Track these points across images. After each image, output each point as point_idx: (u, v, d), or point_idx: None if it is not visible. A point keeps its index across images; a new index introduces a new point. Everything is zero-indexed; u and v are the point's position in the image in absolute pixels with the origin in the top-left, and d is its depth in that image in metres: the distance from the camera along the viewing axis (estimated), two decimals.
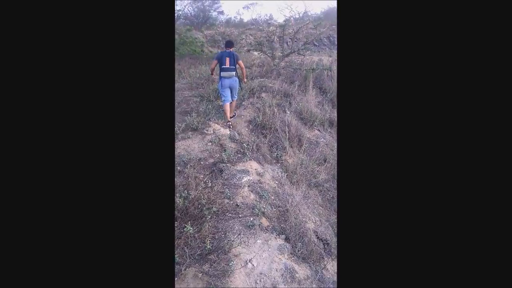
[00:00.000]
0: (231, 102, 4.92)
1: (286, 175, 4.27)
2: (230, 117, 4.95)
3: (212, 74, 5.06)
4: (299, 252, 2.78)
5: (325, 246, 3.38)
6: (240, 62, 4.76)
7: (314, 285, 2.74)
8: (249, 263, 2.45)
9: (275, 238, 2.85)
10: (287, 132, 4.67)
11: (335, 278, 3.25)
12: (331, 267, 3.24)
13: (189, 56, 9.82)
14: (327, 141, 5.10)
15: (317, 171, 4.54)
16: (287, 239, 2.90)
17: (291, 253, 2.74)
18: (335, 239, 3.59)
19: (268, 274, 2.42)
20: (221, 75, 4.70)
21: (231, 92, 4.84)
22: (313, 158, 4.62)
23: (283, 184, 3.93)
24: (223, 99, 4.81)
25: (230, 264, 2.36)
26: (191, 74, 7.65)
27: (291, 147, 4.73)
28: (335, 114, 5.52)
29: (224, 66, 4.63)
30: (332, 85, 6.33)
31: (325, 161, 4.76)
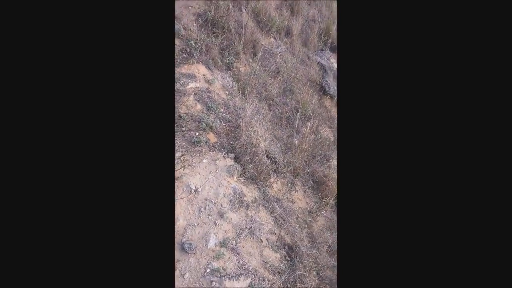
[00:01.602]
0: None
1: (238, 85, 3.72)
2: None
3: None
4: (249, 173, 2.44)
5: (273, 165, 3.12)
6: None
7: (260, 206, 2.51)
8: (192, 187, 2.04)
9: (224, 157, 2.44)
10: (242, 35, 3.94)
11: (278, 196, 3.09)
12: (276, 185, 3.04)
13: None
14: (281, 51, 4.50)
15: (270, 83, 4.04)
16: (236, 159, 2.52)
17: (240, 175, 2.38)
18: (281, 156, 3.35)
19: (215, 200, 2.06)
20: None
21: None
22: (267, 69, 4.06)
23: (234, 96, 3.40)
24: None
25: None
26: None
27: (245, 53, 4.07)
28: (293, 23, 4.83)
29: None
30: None
31: (278, 73, 4.25)
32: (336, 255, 2.97)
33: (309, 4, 5.25)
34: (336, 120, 4.67)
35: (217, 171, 2.28)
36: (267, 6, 4.46)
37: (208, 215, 1.97)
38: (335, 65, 4.95)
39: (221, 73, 3.63)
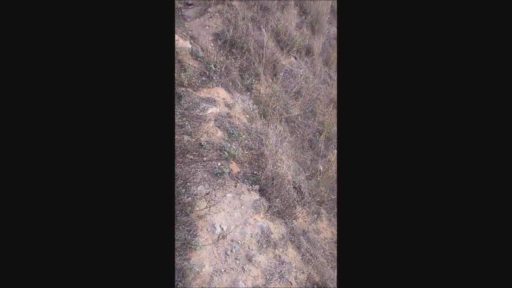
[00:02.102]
0: None
1: (258, 108, 3.56)
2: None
3: None
4: (275, 208, 2.24)
5: (299, 195, 2.91)
6: None
7: (288, 242, 2.29)
8: (217, 227, 1.85)
9: (248, 190, 2.25)
10: (262, 56, 3.80)
11: (304, 227, 2.87)
12: (301, 215, 2.82)
13: None
14: (303, 72, 4.34)
15: (291, 105, 3.87)
16: (262, 191, 2.32)
17: (266, 210, 2.18)
18: (306, 185, 3.14)
19: (242, 242, 1.86)
20: None
21: None
22: (288, 90, 3.90)
23: (255, 119, 3.23)
24: None
25: (193, 231, 1.73)
26: None
27: (265, 74, 3.92)
28: (314, 42, 4.68)
29: None
30: (313, 4, 5.32)
31: (299, 94, 4.08)
32: None
33: (330, 23, 5.11)
34: None
35: (242, 207, 2.08)
36: (287, 25, 4.33)
37: (235, 259, 1.78)
38: None
39: (241, 96, 3.48)
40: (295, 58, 4.46)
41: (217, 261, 1.71)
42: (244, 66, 3.80)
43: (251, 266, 1.79)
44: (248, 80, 3.65)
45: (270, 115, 3.44)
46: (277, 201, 2.24)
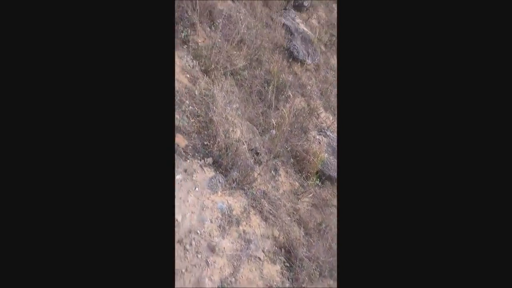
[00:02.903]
0: None
1: (198, 63, 3.11)
2: None
3: None
4: (234, 181, 2.00)
5: (255, 157, 2.69)
6: None
7: (250, 211, 2.13)
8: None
9: (201, 166, 1.96)
10: (195, 2, 3.22)
11: (263, 187, 2.72)
12: (260, 177, 2.64)
13: None
14: (243, 16, 3.85)
15: (235, 56, 3.47)
16: (216, 164, 2.05)
17: (224, 186, 1.94)
18: (261, 142, 2.93)
19: (201, 231, 1.62)
20: None
21: None
22: (230, 39, 3.45)
23: (197, 78, 2.82)
24: None
25: None
26: None
27: (201, 23, 3.39)
28: None
29: None
30: None
31: (240, 42, 3.65)
32: (331, 242, 2.77)
33: None
34: (308, 87, 4.26)
35: (197, 189, 1.81)
36: None
37: (197, 253, 1.56)
38: (301, 26, 4.41)
39: (177, 52, 2.99)
40: (233, 1, 3.91)
41: (176, 260, 1.48)
42: (176, 16, 3.22)
43: (216, 256, 1.60)
44: (183, 32, 3.12)
45: (214, 71, 3.03)
46: (234, 173, 2.00)
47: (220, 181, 1.91)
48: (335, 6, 5.50)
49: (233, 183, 1.98)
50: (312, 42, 4.56)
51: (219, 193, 1.88)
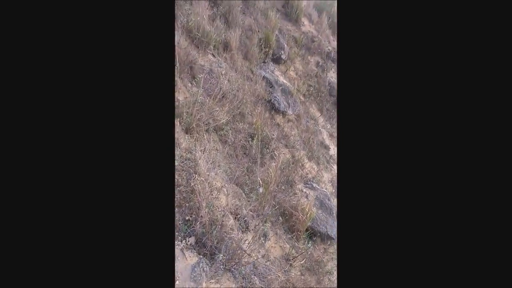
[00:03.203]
0: None
1: (179, 121, 2.93)
2: None
3: None
4: (221, 265, 1.73)
5: (243, 225, 2.44)
6: None
7: None
8: None
9: (181, 250, 1.69)
10: (176, 58, 3.12)
11: (253, 260, 2.44)
12: (248, 249, 2.37)
13: None
14: (224, 70, 3.79)
15: (217, 111, 3.32)
16: (198, 244, 1.78)
17: (208, 275, 1.66)
18: (247, 206, 2.69)
19: None
20: None
21: None
22: (211, 93, 3.33)
23: (177, 139, 2.62)
24: None
25: None
26: None
27: (181, 79, 3.27)
28: (231, 35, 4.13)
29: None
30: None
31: (223, 97, 3.54)
32: None
33: (244, 13, 4.60)
34: (291, 137, 4.17)
35: (177, 282, 1.53)
36: (199, 19, 3.69)
37: None
38: (280, 78, 4.42)
39: None
40: (213, 55, 3.87)
41: None
42: None
43: None
44: None
45: (195, 130, 2.85)
46: (220, 256, 1.73)
47: (205, 269, 1.64)
48: (310, 58, 5.65)
49: (220, 265, 1.70)
50: (292, 93, 4.56)
51: (204, 284, 1.59)
